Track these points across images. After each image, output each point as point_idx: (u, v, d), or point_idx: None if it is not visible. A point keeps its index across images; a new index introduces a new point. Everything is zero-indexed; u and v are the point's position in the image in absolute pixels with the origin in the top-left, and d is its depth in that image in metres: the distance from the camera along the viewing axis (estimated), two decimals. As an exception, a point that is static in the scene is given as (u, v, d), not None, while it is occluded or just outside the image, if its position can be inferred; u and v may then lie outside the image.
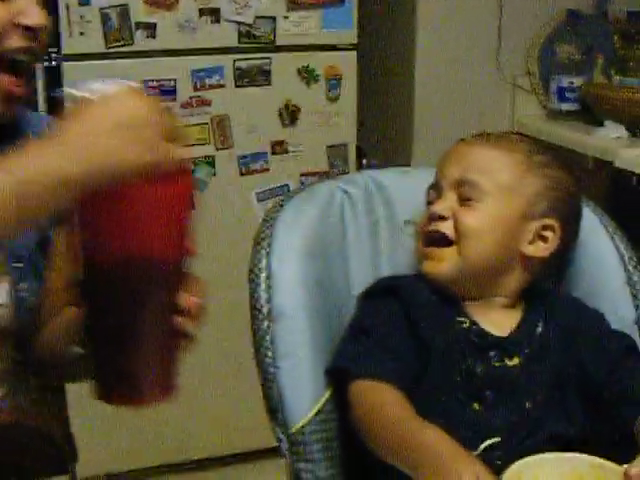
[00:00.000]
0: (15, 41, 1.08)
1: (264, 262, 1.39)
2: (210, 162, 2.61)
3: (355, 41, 2.69)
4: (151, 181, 0.92)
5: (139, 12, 2.47)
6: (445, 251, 1.37)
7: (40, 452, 1.13)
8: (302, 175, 2.71)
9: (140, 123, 0.90)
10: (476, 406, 1.33)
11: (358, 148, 2.79)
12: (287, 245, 1.40)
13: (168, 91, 2.53)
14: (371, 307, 1.40)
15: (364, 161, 2.87)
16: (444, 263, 1.37)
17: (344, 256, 1.47)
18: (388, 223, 1.52)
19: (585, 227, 1.50)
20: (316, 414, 1.33)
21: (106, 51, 2.46)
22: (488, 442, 1.29)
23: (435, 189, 1.42)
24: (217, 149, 2.61)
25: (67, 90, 0.94)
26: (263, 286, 1.37)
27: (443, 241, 1.38)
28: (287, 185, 2.70)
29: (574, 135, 2.79)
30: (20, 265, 1.23)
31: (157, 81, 2.52)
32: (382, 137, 3.11)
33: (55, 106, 2.37)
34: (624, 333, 1.43)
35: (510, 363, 1.35)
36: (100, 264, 0.96)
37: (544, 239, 1.40)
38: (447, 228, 1.37)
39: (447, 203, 1.38)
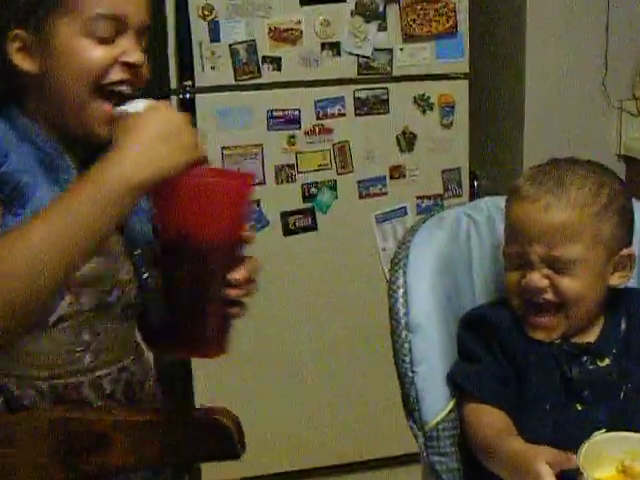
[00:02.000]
0: (116, 75, 1.28)
1: (401, 280, 1.53)
2: (332, 186, 2.76)
3: (467, 70, 2.82)
4: (220, 176, 1.21)
5: (265, 47, 2.65)
6: (554, 320, 1.46)
7: (215, 444, 1.26)
8: (418, 198, 2.84)
9: (178, 130, 1.16)
10: (578, 406, 1.44)
11: (471, 172, 2.91)
12: (420, 264, 1.54)
13: (292, 120, 2.70)
14: (471, 336, 1.52)
15: (476, 183, 2.98)
16: (556, 330, 1.46)
17: (470, 274, 1.60)
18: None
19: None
20: (448, 413, 1.49)
21: (235, 83, 2.64)
22: (596, 435, 1.36)
23: (518, 258, 1.46)
24: (338, 174, 2.77)
25: (120, 108, 1.22)
26: (401, 300, 1.52)
27: (549, 306, 1.45)
28: (404, 207, 2.83)
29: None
30: (139, 252, 1.40)
31: (282, 111, 2.69)
32: (493, 160, 3.21)
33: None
34: None
35: (602, 364, 1.46)
36: (174, 243, 1.19)
37: (624, 266, 1.49)
38: (549, 296, 1.44)
39: (542, 274, 1.44)
